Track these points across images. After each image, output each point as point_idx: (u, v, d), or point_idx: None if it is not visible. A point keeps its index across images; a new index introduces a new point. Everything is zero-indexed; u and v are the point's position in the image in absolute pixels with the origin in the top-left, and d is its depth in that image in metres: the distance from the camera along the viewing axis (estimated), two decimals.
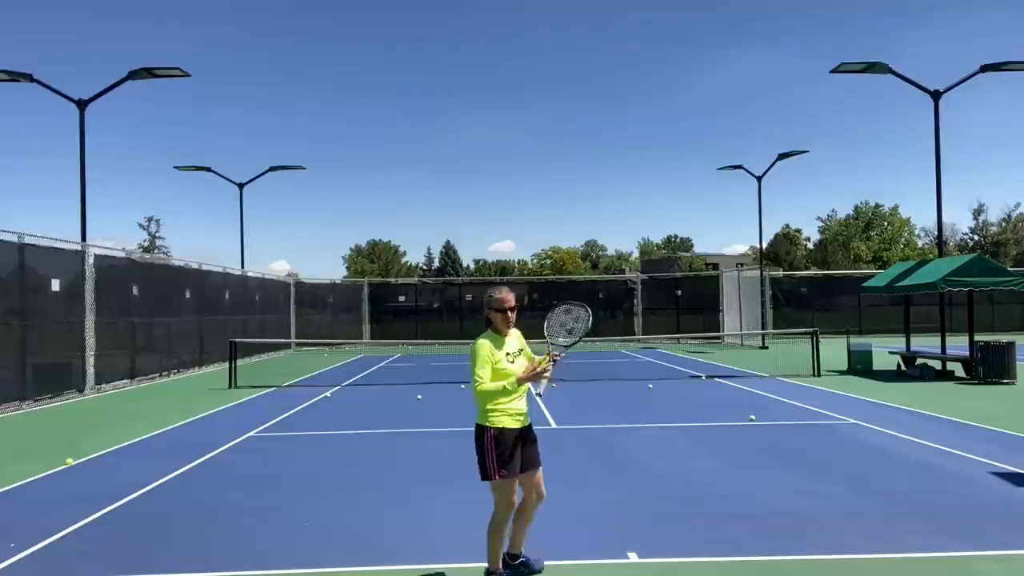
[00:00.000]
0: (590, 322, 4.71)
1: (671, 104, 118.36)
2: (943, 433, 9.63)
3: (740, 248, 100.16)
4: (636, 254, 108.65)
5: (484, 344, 4.43)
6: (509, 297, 4.49)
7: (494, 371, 4.40)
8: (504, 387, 4.37)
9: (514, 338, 4.58)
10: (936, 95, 18.55)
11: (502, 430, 4.39)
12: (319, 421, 11.71)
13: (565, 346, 4.65)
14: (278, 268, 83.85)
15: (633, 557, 5.11)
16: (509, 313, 4.47)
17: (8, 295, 13.55)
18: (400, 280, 43.38)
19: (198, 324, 21.89)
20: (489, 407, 4.42)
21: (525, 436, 4.49)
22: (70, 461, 8.56)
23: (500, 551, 4.54)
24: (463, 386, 15.11)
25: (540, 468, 4.63)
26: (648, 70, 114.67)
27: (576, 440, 9.64)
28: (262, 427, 11.11)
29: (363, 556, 5.23)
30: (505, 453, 4.37)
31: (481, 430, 4.45)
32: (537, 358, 4.57)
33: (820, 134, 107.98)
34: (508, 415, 4.41)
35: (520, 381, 4.38)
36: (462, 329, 33.22)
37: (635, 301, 34.81)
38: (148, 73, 18.57)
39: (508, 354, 4.46)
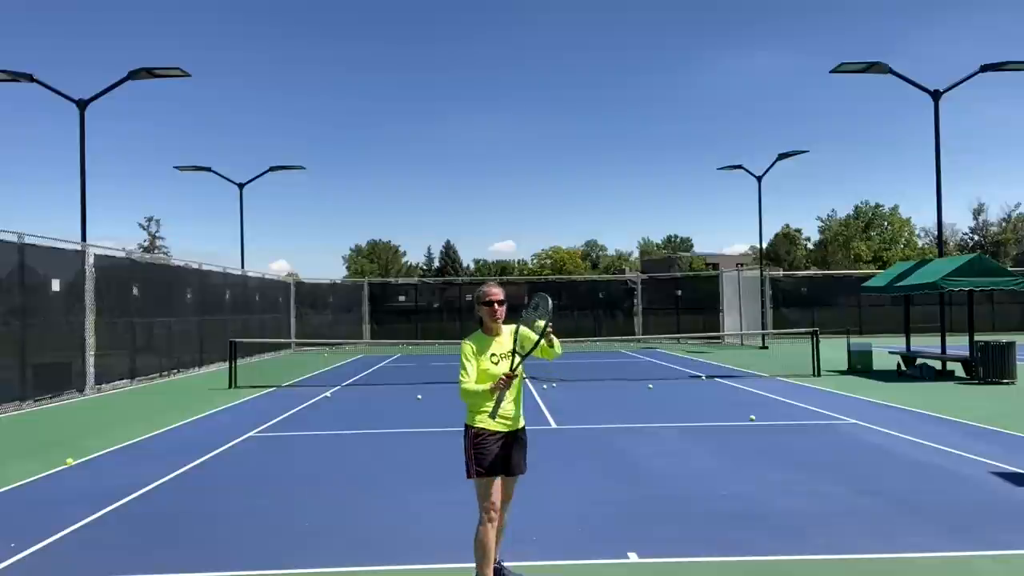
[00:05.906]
0: (550, 302, 4.46)
1: (671, 104, 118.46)
2: (943, 433, 9.63)
3: (740, 248, 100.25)
4: (636, 254, 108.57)
5: (466, 345, 4.43)
6: (492, 289, 4.46)
7: (480, 372, 4.38)
8: (486, 390, 4.34)
9: (506, 337, 4.48)
10: (936, 95, 18.55)
11: (483, 431, 4.39)
12: (319, 421, 11.71)
13: (534, 320, 4.44)
14: (278, 268, 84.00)
15: (633, 557, 5.11)
16: (495, 306, 4.41)
17: (8, 295, 13.55)
18: (400, 280, 43.43)
19: (198, 324, 21.89)
20: (474, 408, 4.42)
21: (511, 441, 4.43)
22: (70, 461, 8.56)
23: (484, 569, 4.34)
24: None
25: (518, 476, 4.56)
26: (648, 70, 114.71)
27: (576, 440, 9.64)
28: (262, 427, 11.12)
29: (362, 556, 5.23)
30: (483, 452, 4.36)
31: (466, 429, 4.48)
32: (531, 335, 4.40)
33: (820, 134, 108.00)
34: (493, 417, 4.36)
35: (492, 391, 4.29)
36: (462, 329, 33.16)
37: (635, 301, 34.84)
38: (148, 73, 18.57)
39: (493, 355, 4.40)
